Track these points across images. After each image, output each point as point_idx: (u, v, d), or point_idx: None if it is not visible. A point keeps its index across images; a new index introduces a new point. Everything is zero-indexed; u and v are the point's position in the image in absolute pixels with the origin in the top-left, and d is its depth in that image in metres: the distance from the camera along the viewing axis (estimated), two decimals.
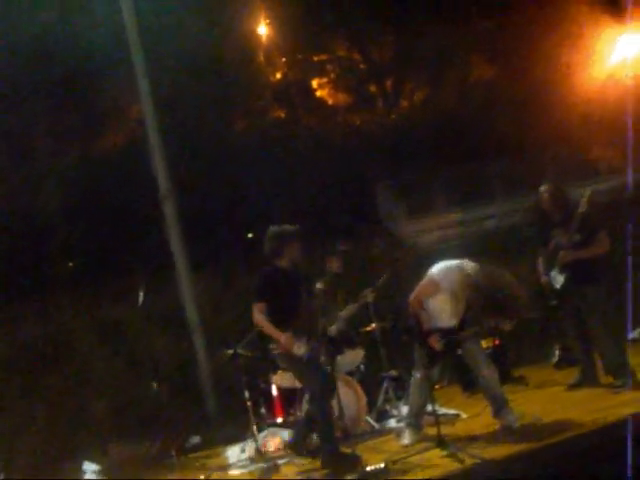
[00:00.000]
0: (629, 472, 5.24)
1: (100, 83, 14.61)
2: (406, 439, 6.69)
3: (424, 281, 6.66)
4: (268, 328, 6.38)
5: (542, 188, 7.43)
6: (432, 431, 6.34)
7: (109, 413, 9.03)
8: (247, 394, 7.43)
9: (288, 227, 6.62)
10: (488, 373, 6.59)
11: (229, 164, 14.58)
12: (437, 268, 6.64)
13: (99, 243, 13.07)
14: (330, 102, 18.73)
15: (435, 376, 6.98)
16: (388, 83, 19.05)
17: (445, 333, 6.51)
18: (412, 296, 6.61)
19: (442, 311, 6.56)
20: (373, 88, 19.06)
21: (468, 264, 6.55)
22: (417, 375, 6.70)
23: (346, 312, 7.80)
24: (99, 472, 7.53)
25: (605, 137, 15.07)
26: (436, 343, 6.46)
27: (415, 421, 6.76)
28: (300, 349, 6.34)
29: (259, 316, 6.40)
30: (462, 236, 14.99)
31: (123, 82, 12.47)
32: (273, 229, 6.62)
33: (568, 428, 6.06)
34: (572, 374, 7.76)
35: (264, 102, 17.94)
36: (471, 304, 6.48)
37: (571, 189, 7.83)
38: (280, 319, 6.37)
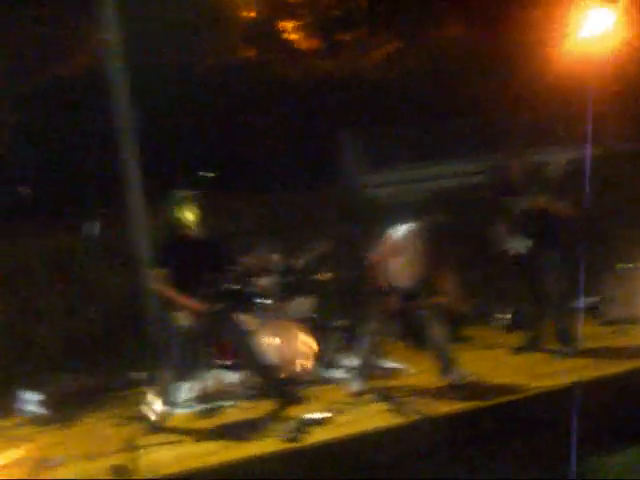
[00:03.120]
0: (573, 440, 5.33)
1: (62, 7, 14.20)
2: (353, 389, 6.73)
3: (388, 243, 6.65)
4: (173, 295, 6.36)
5: (510, 159, 7.52)
6: (378, 384, 6.39)
7: (56, 343, 8.92)
8: None
9: (181, 193, 6.47)
10: (438, 332, 6.64)
11: (194, 101, 14.35)
12: (400, 230, 6.63)
13: (56, 171, 12.83)
14: (301, 46, 18.46)
15: (389, 329, 7.03)
16: (361, 33, 18.82)
17: (404, 297, 6.52)
18: (375, 255, 6.61)
19: (401, 272, 6.57)
20: (345, 36, 18.82)
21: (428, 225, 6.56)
22: (371, 325, 6.73)
23: (300, 260, 7.77)
24: (41, 402, 7.45)
25: (569, 108, 15.09)
26: (394, 304, 6.48)
27: (363, 372, 6.80)
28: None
29: (159, 285, 6.42)
30: (423, 192, 14.99)
31: (87, 9, 12.12)
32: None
33: (512, 391, 6.14)
34: (519, 337, 7.85)
35: (233, 40, 17.61)
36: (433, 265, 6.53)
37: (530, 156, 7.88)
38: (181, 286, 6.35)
